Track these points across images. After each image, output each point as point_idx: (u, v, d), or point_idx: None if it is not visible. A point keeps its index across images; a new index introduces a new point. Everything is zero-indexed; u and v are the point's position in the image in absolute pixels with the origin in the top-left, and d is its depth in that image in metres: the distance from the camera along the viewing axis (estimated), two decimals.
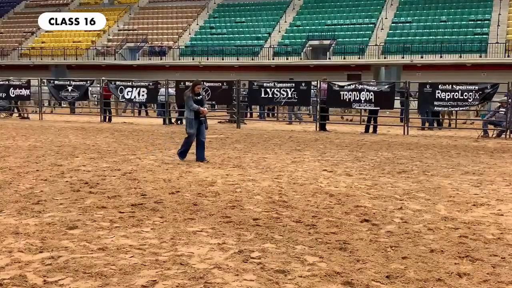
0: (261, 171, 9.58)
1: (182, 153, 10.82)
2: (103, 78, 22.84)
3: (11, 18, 49.50)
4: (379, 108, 18.24)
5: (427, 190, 8.06)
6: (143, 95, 21.06)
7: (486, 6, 36.17)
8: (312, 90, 19.79)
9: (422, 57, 33.19)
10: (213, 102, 21.13)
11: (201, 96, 10.90)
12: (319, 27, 37.96)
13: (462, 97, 17.11)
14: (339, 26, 37.57)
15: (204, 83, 20.26)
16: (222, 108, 23.42)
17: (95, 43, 42.18)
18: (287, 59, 36.05)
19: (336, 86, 18.71)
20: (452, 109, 18.18)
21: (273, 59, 36.41)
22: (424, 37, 34.55)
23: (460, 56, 32.29)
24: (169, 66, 37.93)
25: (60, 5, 48.80)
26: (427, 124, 20.01)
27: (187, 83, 20.39)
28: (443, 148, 13.74)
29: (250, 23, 40.93)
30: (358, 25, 37.37)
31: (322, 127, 18.90)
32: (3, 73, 32.63)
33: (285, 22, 39.89)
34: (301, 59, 35.85)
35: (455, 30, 34.58)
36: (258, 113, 24.49)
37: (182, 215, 6.30)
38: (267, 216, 6.28)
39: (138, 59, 39.93)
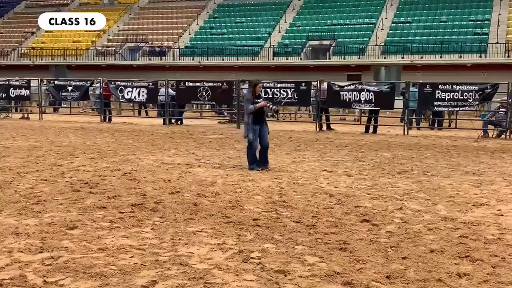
0: (261, 171, 9.58)
1: (253, 164, 9.74)
2: (103, 78, 22.82)
3: (11, 18, 49.51)
4: (379, 108, 18.24)
5: (427, 190, 8.06)
6: (143, 95, 21.06)
7: (486, 6, 36.18)
8: (312, 90, 19.80)
9: (422, 57, 33.20)
10: (213, 102, 21.18)
11: (261, 99, 9.93)
12: (319, 27, 37.97)
13: (462, 97, 17.11)
14: (339, 26, 37.58)
15: (204, 83, 20.31)
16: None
17: (95, 43, 42.19)
18: (287, 59, 36.06)
19: (336, 86, 18.72)
20: (452, 109, 18.19)
21: (273, 59, 36.42)
22: (424, 37, 34.57)
23: (460, 56, 32.30)
24: (169, 66, 37.93)
25: (60, 5, 48.81)
26: (426, 124, 20.01)
27: (187, 83, 20.45)
28: (443, 148, 13.74)
29: (250, 23, 40.94)
30: (358, 25, 37.38)
31: (328, 127, 19.10)
32: (3, 73, 32.64)
33: (285, 22, 39.90)
34: (301, 59, 35.85)
35: (455, 30, 34.59)
36: None
37: (182, 215, 6.30)
38: (267, 216, 6.28)
39: (138, 59, 39.93)
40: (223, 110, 23.23)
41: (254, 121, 9.64)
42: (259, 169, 9.61)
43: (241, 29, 40.31)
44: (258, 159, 9.81)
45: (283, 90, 19.12)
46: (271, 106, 9.91)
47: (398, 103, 20.37)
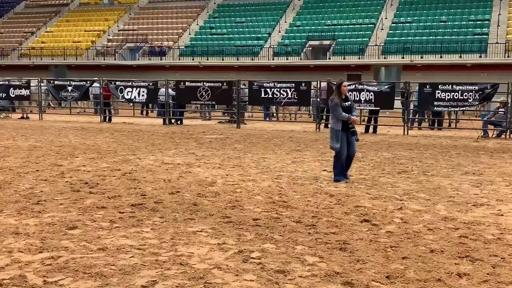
0: (261, 171, 9.58)
1: (340, 175, 8.65)
2: (103, 78, 22.81)
3: (11, 18, 49.50)
4: (379, 108, 18.24)
5: (427, 190, 8.06)
6: (143, 95, 21.06)
7: (486, 6, 36.18)
8: (312, 90, 19.80)
9: (422, 57, 33.19)
10: (213, 102, 21.18)
11: (349, 102, 8.80)
12: (319, 27, 37.97)
13: (462, 97, 17.12)
14: (339, 26, 37.58)
15: (204, 83, 20.30)
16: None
17: (95, 43, 42.19)
18: (287, 59, 36.05)
19: None
20: (452, 109, 18.19)
21: (273, 59, 36.41)
22: (424, 37, 34.56)
23: (460, 56, 32.29)
24: (169, 66, 37.93)
25: (60, 5, 48.81)
26: (426, 124, 20.04)
27: (187, 83, 20.44)
28: (443, 148, 13.74)
29: (250, 23, 40.93)
30: (358, 25, 37.38)
31: (326, 126, 19.21)
32: (3, 73, 32.63)
33: (285, 22, 39.90)
34: (301, 59, 35.85)
35: (455, 30, 34.59)
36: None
37: (182, 215, 6.30)
38: (267, 216, 6.28)
39: (138, 59, 39.92)
40: (210, 111, 23.41)
41: (343, 128, 8.57)
42: (347, 181, 8.59)
43: (241, 29, 40.30)
44: (343, 170, 8.76)
45: (283, 90, 19.12)
46: (352, 127, 8.66)
47: (398, 103, 20.40)
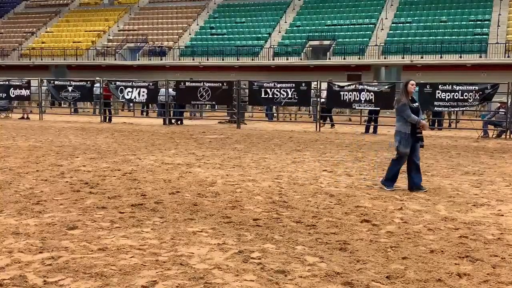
0: (261, 171, 9.58)
1: (390, 181, 8.07)
2: (103, 78, 22.79)
3: (11, 18, 49.50)
4: (379, 108, 18.24)
5: (427, 190, 8.05)
6: (143, 95, 21.07)
7: (486, 6, 36.17)
8: (312, 91, 19.81)
9: (422, 57, 33.18)
10: (213, 102, 21.20)
11: (417, 103, 8.16)
12: (319, 27, 37.96)
13: (462, 97, 17.12)
14: (339, 26, 37.57)
15: (204, 83, 20.30)
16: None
17: (95, 43, 42.18)
18: (287, 59, 36.03)
19: (336, 86, 18.74)
20: (452, 109, 18.19)
21: (273, 59, 36.40)
22: (424, 37, 34.56)
23: (460, 57, 32.28)
24: (169, 66, 37.93)
25: (60, 5, 48.80)
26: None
27: (187, 83, 20.44)
28: (443, 148, 13.74)
29: (250, 23, 40.93)
30: (358, 25, 37.37)
31: (333, 126, 19.88)
32: (3, 73, 32.63)
33: (285, 22, 39.89)
34: (301, 59, 35.84)
35: (455, 30, 34.58)
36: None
37: (182, 215, 6.30)
38: (267, 217, 6.28)
39: (138, 59, 39.91)
40: (202, 111, 23.58)
41: (412, 132, 7.94)
42: (392, 189, 7.96)
43: (241, 29, 40.30)
44: (395, 178, 8.16)
45: (283, 90, 19.13)
46: (419, 132, 8.10)
47: None
